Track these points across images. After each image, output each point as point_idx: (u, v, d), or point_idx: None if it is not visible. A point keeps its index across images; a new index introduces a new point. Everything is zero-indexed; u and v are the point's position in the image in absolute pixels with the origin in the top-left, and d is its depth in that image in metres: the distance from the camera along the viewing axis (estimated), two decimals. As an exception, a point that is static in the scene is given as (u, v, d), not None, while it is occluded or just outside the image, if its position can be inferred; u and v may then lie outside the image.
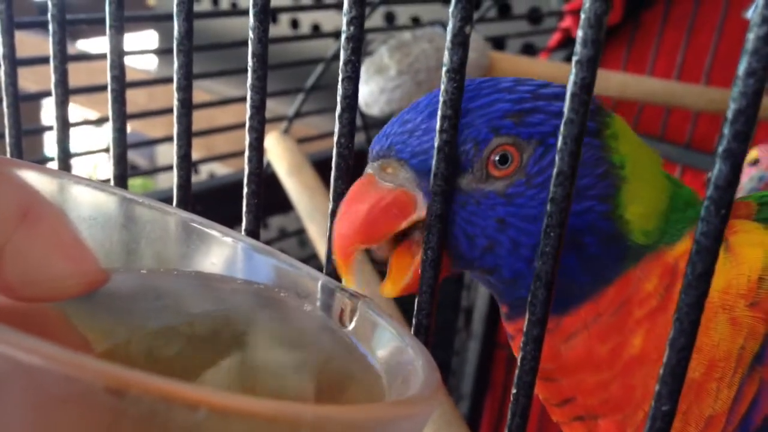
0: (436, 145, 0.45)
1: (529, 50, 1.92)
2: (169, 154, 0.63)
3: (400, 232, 0.53)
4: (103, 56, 0.60)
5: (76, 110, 2.76)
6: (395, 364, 0.42)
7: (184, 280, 0.48)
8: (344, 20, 0.45)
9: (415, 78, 1.24)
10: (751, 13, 0.33)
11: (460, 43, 0.42)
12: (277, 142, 1.40)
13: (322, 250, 1.18)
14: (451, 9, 0.41)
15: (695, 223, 0.55)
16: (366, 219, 0.51)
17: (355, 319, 0.47)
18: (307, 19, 2.37)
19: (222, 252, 0.49)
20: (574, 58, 0.38)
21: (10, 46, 0.64)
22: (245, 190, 0.54)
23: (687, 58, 1.63)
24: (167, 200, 0.53)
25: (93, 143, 3.14)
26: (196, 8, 0.55)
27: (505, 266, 0.53)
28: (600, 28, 0.37)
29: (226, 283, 0.49)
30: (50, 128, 0.80)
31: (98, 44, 3.13)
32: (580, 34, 0.37)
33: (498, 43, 1.87)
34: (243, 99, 0.56)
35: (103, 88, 0.61)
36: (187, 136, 0.56)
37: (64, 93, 0.64)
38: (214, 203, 1.45)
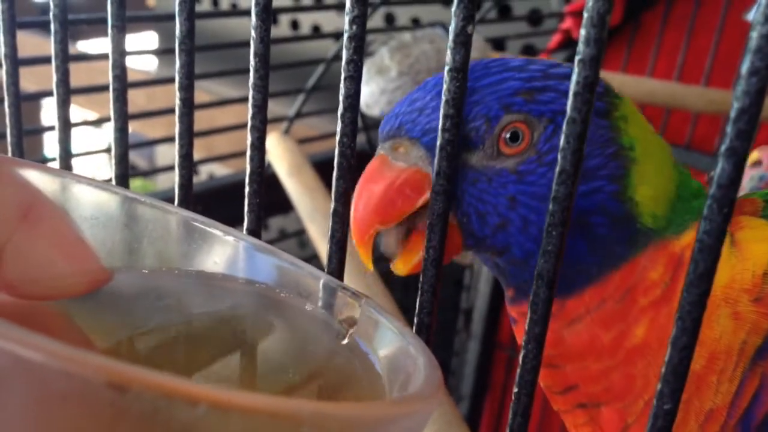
0: (438, 143, 0.45)
1: (529, 51, 1.92)
2: (168, 155, 0.63)
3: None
4: (103, 56, 0.60)
5: (76, 111, 2.76)
6: (396, 363, 0.42)
7: (185, 279, 0.48)
8: (346, 19, 0.45)
9: (415, 79, 1.24)
10: (753, 14, 0.33)
11: (463, 42, 0.42)
12: (278, 142, 1.40)
13: (322, 250, 1.18)
14: (453, 8, 0.41)
15: (700, 214, 0.55)
16: (382, 200, 0.52)
17: (356, 317, 0.47)
18: (307, 20, 2.37)
19: (224, 251, 0.49)
20: (577, 57, 0.38)
21: (12, 46, 0.64)
22: (247, 189, 0.54)
23: (687, 59, 1.63)
24: (168, 201, 0.53)
25: (92, 144, 3.14)
26: (196, 8, 0.55)
27: (515, 245, 0.53)
28: (603, 27, 0.37)
29: (227, 282, 0.49)
30: (51, 128, 0.80)
31: (98, 45, 3.14)
32: (582, 33, 0.37)
33: (498, 44, 1.87)
34: (243, 100, 0.56)
35: (104, 88, 0.61)
36: (188, 135, 0.56)
37: (66, 93, 0.64)
38: (214, 204, 1.45)
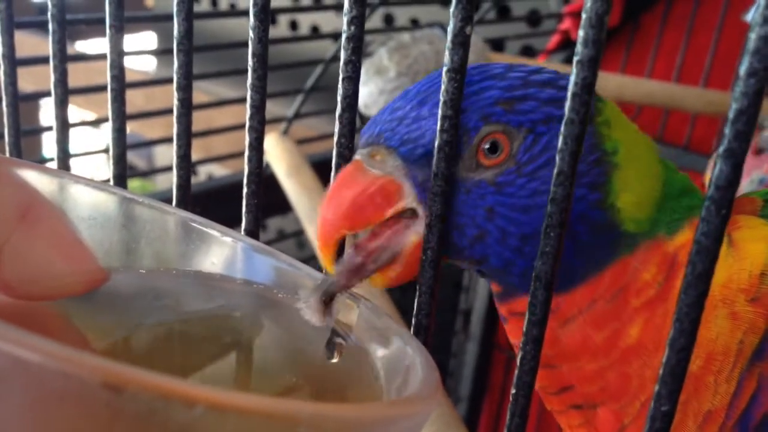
0: (436, 144, 0.45)
1: (528, 52, 1.92)
2: (167, 155, 0.63)
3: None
4: (101, 56, 0.60)
5: (74, 111, 2.76)
6: (394, 364, 0.42)
7: (183, 279, 0.48)
8: (345, 20, 0.45)
9: (414, 79, 1.24)
10: (751, 15, 0.33)
11: (461, 43, 0.42)
12: (276, 143, 1.40)
13: (320, 251, 1.18)
14: (452, 9, 0.41)
15: (691, 212, 0.55)
16: (351, 205, 0.50)
17: (354, 319, 0.47)
18: (306, 21, 2.37)
19: (222, 252, 0.49)
20: (575, 58, 0.38)
21: (9, 46, 0.64)
22: (245, 190, 0.54)
23: (686, 60, 1.63)
24: (166, 201, 0.53)
25: (90, 144, 3.14)
26: (194, 9, 0.55)
27: (493, 255, 0.53)
28: (601, 27, 0.37)
29: (225, 283, 0.49)
30: (49, 129, 0.80)
31: (96, 45, 3.13)
32: (581, 33, 0.37)
33: (497, 44, 1.87)
34: (241, 100, 0.56)
35: (102, 88, 0.61)
36: (186, 135, 0.56)
37: (64, 93, 0.64)
38: (213, 204, 1.44)
